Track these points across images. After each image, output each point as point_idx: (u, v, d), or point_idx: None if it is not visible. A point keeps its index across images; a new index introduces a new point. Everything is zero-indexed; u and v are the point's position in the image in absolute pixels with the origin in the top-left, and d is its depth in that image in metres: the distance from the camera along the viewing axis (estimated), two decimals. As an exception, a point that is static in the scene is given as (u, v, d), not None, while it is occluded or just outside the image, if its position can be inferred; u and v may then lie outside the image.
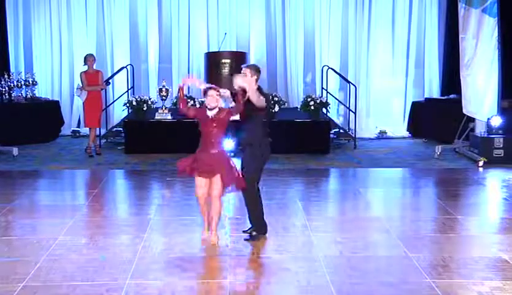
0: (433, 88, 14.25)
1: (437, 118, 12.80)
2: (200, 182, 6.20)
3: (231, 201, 8.13)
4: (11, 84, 12.68)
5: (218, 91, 6.12)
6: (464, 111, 11.30)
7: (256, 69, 6.40)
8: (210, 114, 6.10)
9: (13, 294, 5.00)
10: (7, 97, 12.58)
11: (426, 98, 13.93)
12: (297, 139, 11.58)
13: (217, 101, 6.09)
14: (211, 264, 5.83)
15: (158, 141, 11.44)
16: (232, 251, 6.10)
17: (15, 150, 11.09)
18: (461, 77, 11.28)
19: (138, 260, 5.82)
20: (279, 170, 10.12)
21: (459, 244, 6.46)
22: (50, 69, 14.17)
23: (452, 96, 12.97)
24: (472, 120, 11.42)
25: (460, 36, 11.26)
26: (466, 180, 9.65)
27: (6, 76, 12.58)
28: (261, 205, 6.48)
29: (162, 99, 11.79)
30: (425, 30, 14.21)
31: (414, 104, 13.99)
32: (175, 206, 7.82)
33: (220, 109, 6.13)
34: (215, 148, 6.15)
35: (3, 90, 12.49)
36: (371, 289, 5.16)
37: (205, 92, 6.14)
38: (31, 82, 13.03)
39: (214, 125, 6.10)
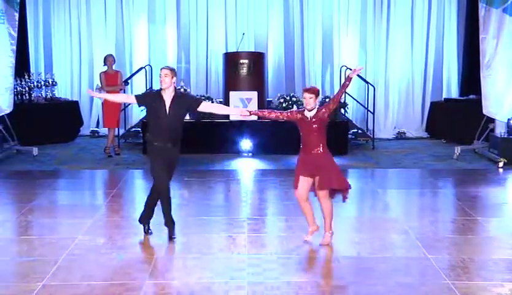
0: (452, 89, 14.14)
1: (456, 118, 12.70)
2: (302, 181, 6.22)
3: (249, 202, 8.15)
4: (31, 84, 12.79)
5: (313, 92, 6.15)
6: (484, 112, 11.20)
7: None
8: (309, 114, 6.14)
9: (33, 292, 5.05)
10: (27, 97, 12.69)
11: (445, 98, 13.83)
12: (315, 139, 11.54)
13: (313, 102, 6.11)
14: (229, 264, 5.83)
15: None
16: (250, 251, 6.10)
17: (35, 150, 11.19)
18: (481, 78, 11.18)
19: (156, 259, 5.85)
20: (296, 170, 10.09)
21: (478, 245, 6.41)
22: (70, 70, 14.27)
23: (471, 96, 12.86)
24: (492, 120, 11.31)
25: (481, 36, 11.15)
26: (485, 181, 9.56)
27: (26, 77, 12.69)
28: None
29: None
30: (444, 30, 14.11)
31: (432, 104, 13.90)
32: (193, 206, 7.84)
33: (318, 110, 6.16)
34: (317, 148, 6.16)
35: (24, 90, 12.59)
36: (389, 290, 5.14)
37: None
38: (50, 83, 13.14)
39: (315, 125, 6.12)
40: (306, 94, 6.12)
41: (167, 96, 6.40)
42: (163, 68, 6.50)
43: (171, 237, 6.41)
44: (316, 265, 5.70)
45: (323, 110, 6.16)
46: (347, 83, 6.45)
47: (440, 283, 5.28)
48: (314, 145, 6.14)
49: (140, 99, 6.64)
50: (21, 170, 10.18)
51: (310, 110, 6.13)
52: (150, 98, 6.59)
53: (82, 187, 9.49)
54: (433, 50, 14.09)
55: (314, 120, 6.11)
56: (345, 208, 8.05)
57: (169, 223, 6.46)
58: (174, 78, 6.43)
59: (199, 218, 7.19)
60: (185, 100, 6.62)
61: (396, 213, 7.65)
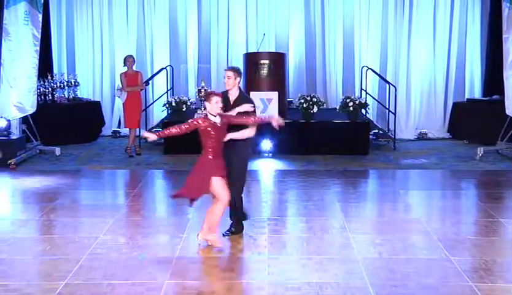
0: (474, 89, 14.00)
1: (479, 119, 12.58)
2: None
3: (269, 202, 8.14)
4: (54, 85, 12.92)
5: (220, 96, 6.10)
6: (507, 112, 11.07)
7: (239, 71, 6.49)
8: (217, 120, 6.07)
9: (56, 291, 5.09)
10: (50, 98, 12.82)
11: (468, 99, 13.70)
12: (336, 140, 11.52)
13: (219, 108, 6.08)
14: (250, 264, 5.83)
15: (196, 142, 11.42)
16: (271, 252, 6.09)
17: (58, 150, 11.29)
18: (504, 78, 11.06)
19: (177, 259, 5.87)
20: (317, 171, 10.08)
21: (502, 247, 6.34)
22: (92, 70, 14.39)
23: (494, 96, 12.73)
24: (515, 121, 11.20)
25: (504, 36, 11.03)
26: (509, 182, 9.45)
27: (49, 77, 12.81)
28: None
29: (201, 100, 11.83)
30: (467, 29, 13.97)
31: (455, 105, 13.78)
32: (213, 207, 7.84)
33: (221, 115, 6.11)
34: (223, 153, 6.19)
35: (47, 90, 12.73)
36: (411, 292, 5.10)
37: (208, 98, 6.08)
38: (73, 83, 13.26)
39: (223, 131, 6.12)
40: (218, 98, 6.03)
41: (232, 97, 6.46)
42: (226, 69, 6.51)
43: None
44: (337, 266, 5.67)
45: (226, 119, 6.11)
46: (258, 121, 6.27)
47: (462, 284, 5.23)
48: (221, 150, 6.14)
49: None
50: (44, 170, 10.28)
51: (215, 116, 6.05)
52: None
53: (103, 186, 9.56)
54: (455, 50, 13.96)
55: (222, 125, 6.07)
56: (366, 209, 8.02)
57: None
58: (238, 78, 6.43)
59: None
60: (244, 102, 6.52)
61: (418, 214, 7.59)
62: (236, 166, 6.36)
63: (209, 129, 6.03)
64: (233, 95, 6.44)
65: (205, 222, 6.21)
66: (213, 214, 6.14)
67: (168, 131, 6.16)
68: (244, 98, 6.52)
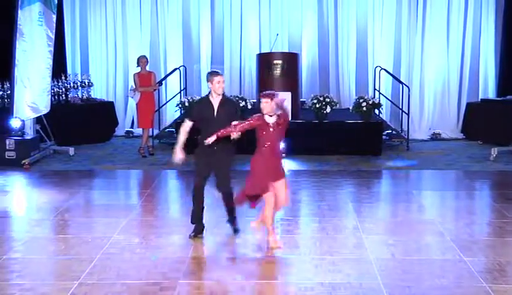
0: (488, 89, 13.91)
1: (493, 119, 12.51)
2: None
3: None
4: (68, 85, 13.00)
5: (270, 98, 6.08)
6: (521, 112, 11.03)
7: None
8: (271, 120, 6.08)
9: (69, 291, 5.12)
10: (64, 98, 12.90)
11: (482, 99, 13.62)
12: (349, 140, 11.49)
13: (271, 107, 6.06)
14: (263, 265, 5.84)
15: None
16: (284, 252, 6.09)
17: (71, 150, 11.35)
18: (518, 78, 11.01)
19: (190, 259, 5.88)
20: (330, 171, 10.07)
21: (516, 248, 6.31)
22: (105, 71, 14.45)
23: (509, 97, 12.65)
24: (530, 121, 11.12)
25: (518, 36, 10.98)
26: (523, 183, 9.41)
27: (63, 78, 12.89)
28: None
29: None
30: (481, 28, 13.88)
31: (469, 105, 13.70)
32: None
33: (279, 115, 6.12)
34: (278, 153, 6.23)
35: (60, 91, 12.80)
36: (424, 293, 5.08)
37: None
38: (86, 83, 13.33)
39: (278, 131, 6.15)
40: (265, 99, 6.05)
41: (216, 101, 6.50)
42: (220, 75, 6.57)
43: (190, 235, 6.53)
44: (350, 266, 5.66)
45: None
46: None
47: (476, 286, 5.21)
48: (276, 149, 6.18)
49: (193, 117, 6.63)
50: (58, 170, 10.34)
51: (271, 116, 6.07)
52: (200, 107, 6.61)
53: (117, 186, 9.60)
54: (469, 50, 13.88)
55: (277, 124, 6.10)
56: (379, 210, 8.00)
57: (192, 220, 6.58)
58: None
59: (233, 218, 7.19)
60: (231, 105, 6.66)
61: (431, 215, 7.56)
62: (223, 164, 6.52)
63: (262, 128, 6.08)
64: (217, 99, 6.51)
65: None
66: (264, 216, 6.18)
67: (226, 130, 6.17)
68: (230, 101, 6.70)
